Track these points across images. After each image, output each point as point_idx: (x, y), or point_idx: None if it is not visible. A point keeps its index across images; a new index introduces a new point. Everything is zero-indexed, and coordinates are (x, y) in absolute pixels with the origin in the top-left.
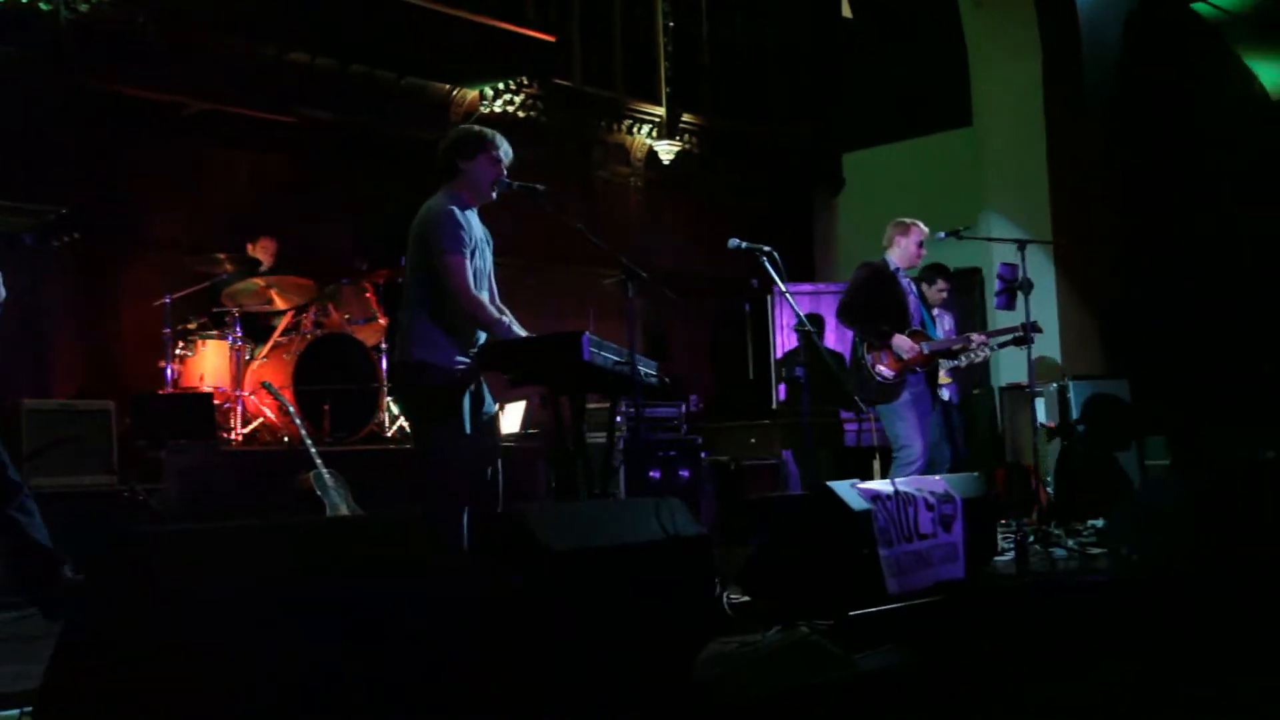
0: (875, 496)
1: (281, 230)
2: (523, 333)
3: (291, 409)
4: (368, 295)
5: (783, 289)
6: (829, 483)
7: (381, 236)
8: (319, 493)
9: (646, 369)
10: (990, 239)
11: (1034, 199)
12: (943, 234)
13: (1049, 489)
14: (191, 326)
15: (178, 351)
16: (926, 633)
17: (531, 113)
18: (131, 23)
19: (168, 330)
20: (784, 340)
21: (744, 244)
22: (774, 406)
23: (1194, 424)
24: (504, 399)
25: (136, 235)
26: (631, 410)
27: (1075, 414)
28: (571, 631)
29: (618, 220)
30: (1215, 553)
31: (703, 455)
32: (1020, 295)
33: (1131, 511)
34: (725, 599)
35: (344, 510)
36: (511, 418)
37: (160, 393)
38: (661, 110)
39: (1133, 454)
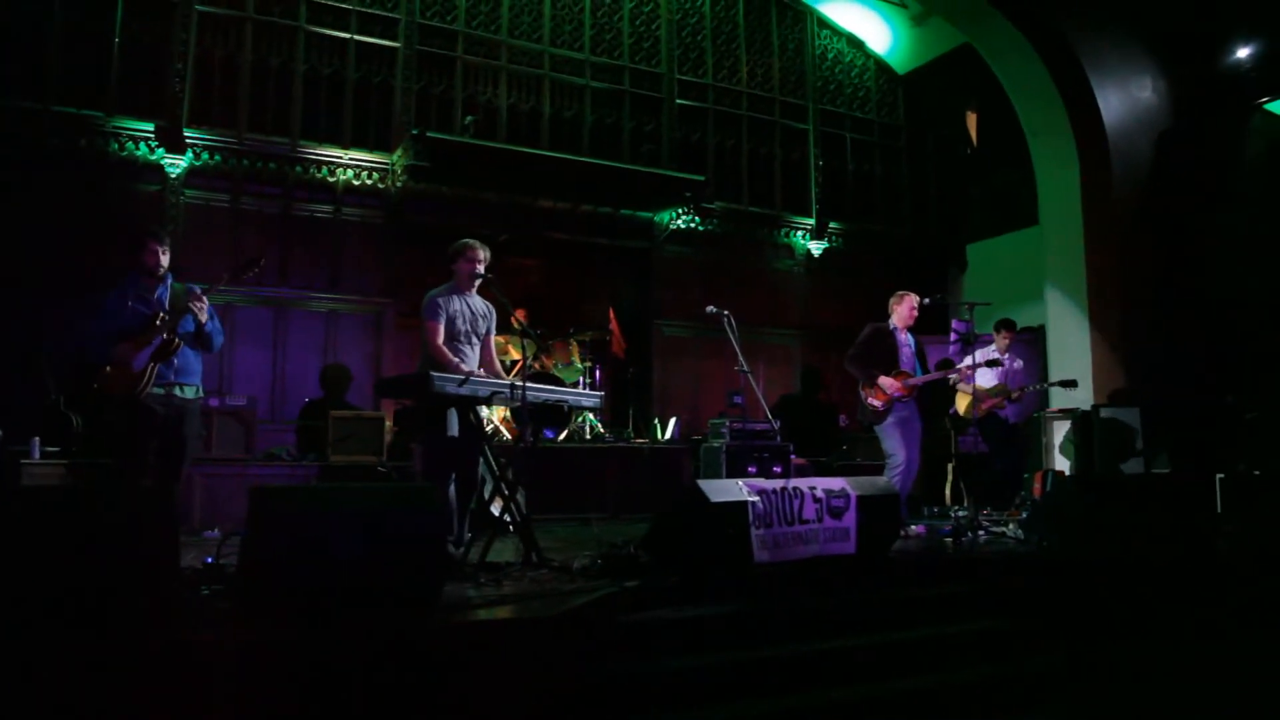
0: (761, 491)
1: (530, 305)
2: (483, 375)
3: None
4: (571, 348)
5: (734, 341)
6: (699, 480)
7: (590, 310)
8: None
9: (574, 397)
10: (969, 303)
11: (1076, 275)
12: (928, 300)
13: None
14: None
15: None
16: (763, 591)
17: (708, 226)
18: (437, 191)
19: None
20: None
21: (713, 309)
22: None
23: (1189, 442)
24: (665, 415)
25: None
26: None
27: (1096, 434)
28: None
29: (789, 296)
30: (1102, 546)
31: (792, 456)
32: (968, 344)
33: (1043, 508)
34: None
35: None
36: (670, 429)
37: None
38: (811, 220)
39: (1138, 464)
